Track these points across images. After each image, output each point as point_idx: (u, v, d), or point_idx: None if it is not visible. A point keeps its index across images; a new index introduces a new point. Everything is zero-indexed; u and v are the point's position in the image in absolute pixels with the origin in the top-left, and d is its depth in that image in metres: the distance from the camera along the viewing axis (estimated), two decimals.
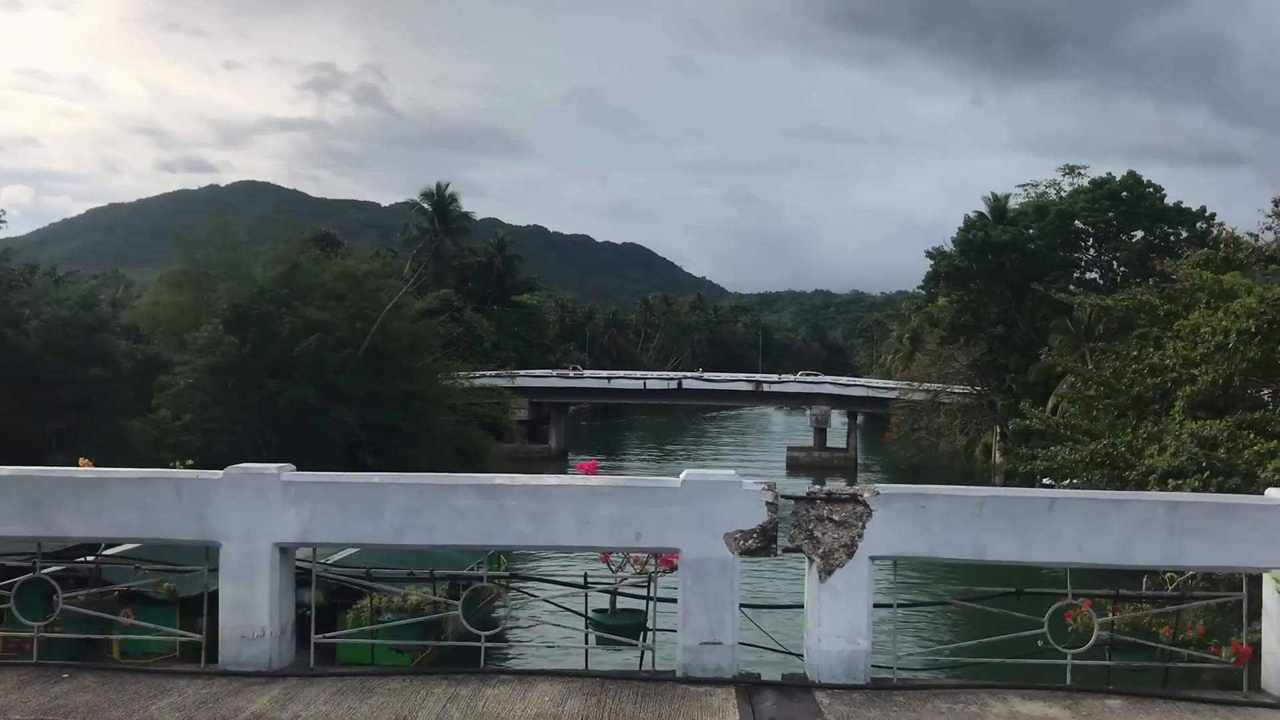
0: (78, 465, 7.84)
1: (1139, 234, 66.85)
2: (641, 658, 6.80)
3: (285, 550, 6.57)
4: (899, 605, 6.56)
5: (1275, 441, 19.18)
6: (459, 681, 6.28)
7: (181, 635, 7.17)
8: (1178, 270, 26.68)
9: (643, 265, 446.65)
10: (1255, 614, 6.50)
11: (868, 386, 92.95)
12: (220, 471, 6.61)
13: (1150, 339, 27.01)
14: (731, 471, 6.55)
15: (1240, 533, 6.23)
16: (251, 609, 6.45)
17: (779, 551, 6.34)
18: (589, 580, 7.01)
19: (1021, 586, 6.85)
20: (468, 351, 77.75)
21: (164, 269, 66.52)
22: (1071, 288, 48.76)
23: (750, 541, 6.28)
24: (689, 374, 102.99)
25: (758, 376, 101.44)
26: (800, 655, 6.58)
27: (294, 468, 6.69)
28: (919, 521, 6.23)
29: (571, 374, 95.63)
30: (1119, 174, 67.69)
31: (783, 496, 6.43)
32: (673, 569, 6.62)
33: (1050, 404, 50.66)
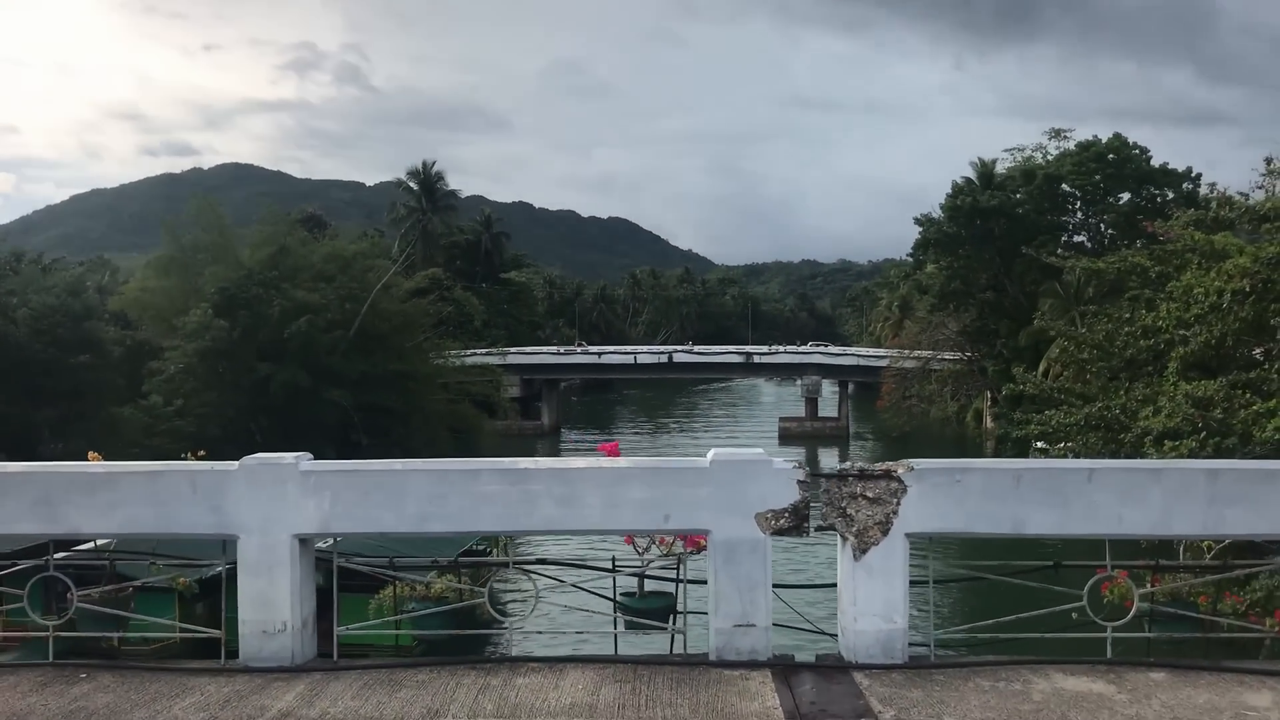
0: (83, 458, 7.67)
1: (1126, 196, 66.81)
2: (672, 641, 6.66)
3: (305, 541, 6.39)
4: (935, 582, 6.42)
5: (1275, 400, 19.16)
6: (488, 671, 6.12)
7: (200, 631, 6.99)
8: (1169, 231, 26.62)
9: (629, 239, 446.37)
10: None
11: (858, 356, 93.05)
12: (236, 462, 6.42)
13: (1142, 301, 26.96)
14: (760, 450, 6.40)
15: None
16: (272, 603, 6.26)
17: (811, 531, 6.20)
18: (616, 564, 6.86)
19: (1057, 559, 6.73)
20: (458, 330, 77.52)
21: (150, 254, 66.14)
22: (1060, 251, 48.61)
23: (782, 521, 6.12)
24: (679, 347, 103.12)
25: (748, 348, 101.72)
26: (832, 635, 6.46)
27: (311, 456, 6.50)
28: (954, 496, 6.08)
29: (579, 350, 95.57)
30: (1104, 136, 67.64)
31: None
32: (700, 549, 6.48)
33: (1041, 368, 50.66)
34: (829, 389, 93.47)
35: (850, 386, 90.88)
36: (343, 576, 6.59)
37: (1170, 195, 62.55)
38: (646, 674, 6.03)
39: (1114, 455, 21.23)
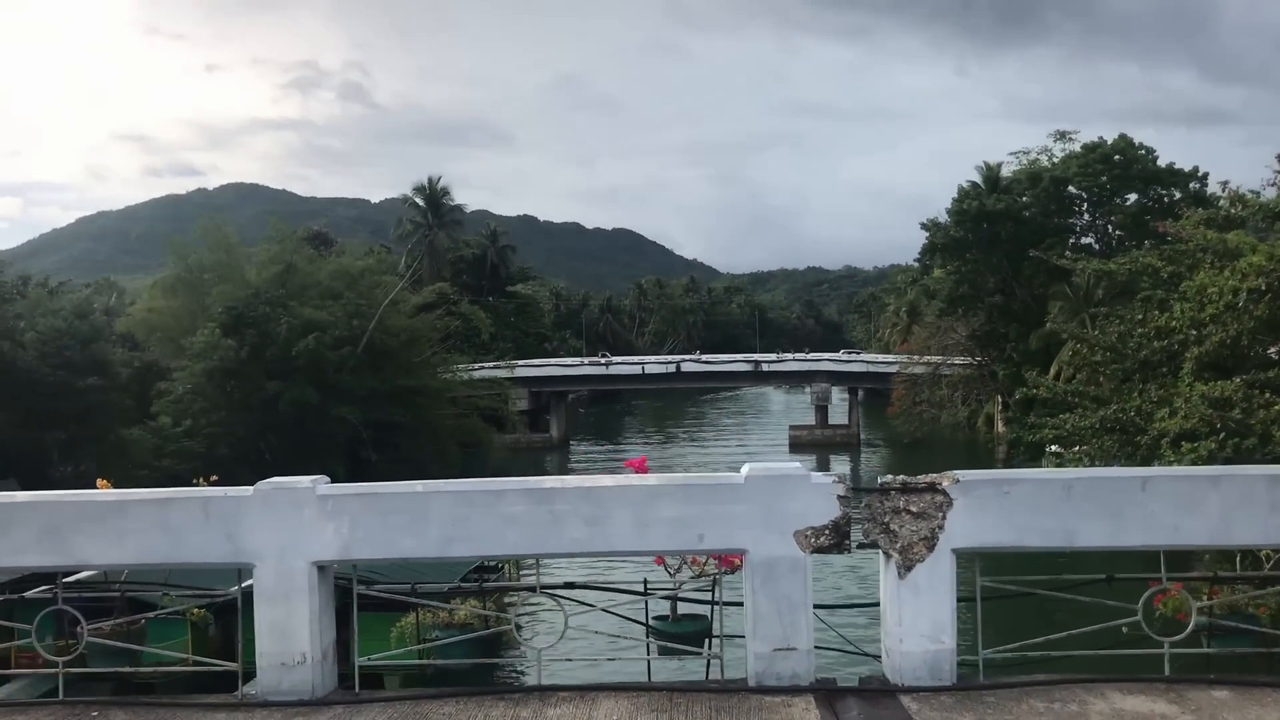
0: (93, 480, 7.42)
1: (1133, 197, 66.51)
2: (708, 666, 6.38)
3: (323, 569, 6.12)
4: (983, 599, 6.13)
5: None
6: (517, 701, 5.84)
7: (215, 664, 6.71)
8: (1180, 231, 26.35)
9: (634, 250, 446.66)
10: None
11: (867, 362, 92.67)
12: (250, 488, 6.15)
13: (1154, 302, 26.68)
14: (798, 463, 6.13)
15: None
16: (290, 633, 5.98)
17: (853, 548, 5.92)
18: (648, 586, 6.58)
19: (1109, 572, 6.44)
20: (465, 344, 77.35)
21: (156, 275, 66.13)
22: (1069, 253, 48.33)
23: (822, 539, 5.85)
24: (687, 357, 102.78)
25: (756, 356, 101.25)
26: (875, 657, 6.18)
27: (327, 479, 6.23)
28: (1003, 509, 5.80)
29: (604, 360, 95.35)
30: (1109, 138, 67.35)
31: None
32: (734, 570, 6.21)
33: (1052, 371, 50.45)
34: (838, 396, 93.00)
35: (860, 393, 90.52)
36: (362, 598, 6.34)
37: (1178, 195, 62.35)
38: (683, 702, 5.75)
39: (1130, 458, 20.95)
